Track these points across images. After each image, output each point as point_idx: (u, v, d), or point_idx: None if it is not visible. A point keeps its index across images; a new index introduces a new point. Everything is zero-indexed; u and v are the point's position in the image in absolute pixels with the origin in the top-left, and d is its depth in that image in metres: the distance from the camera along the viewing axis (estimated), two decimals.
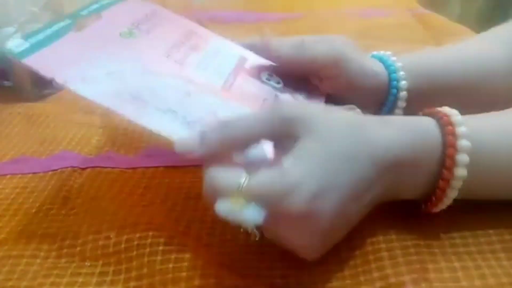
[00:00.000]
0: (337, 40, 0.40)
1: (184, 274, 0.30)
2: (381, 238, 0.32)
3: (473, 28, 0.73)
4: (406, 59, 0.42)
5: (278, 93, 0.39)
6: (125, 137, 0.47)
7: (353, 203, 0.28)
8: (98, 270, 0.32)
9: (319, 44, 0.39)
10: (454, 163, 0.29)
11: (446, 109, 0.32)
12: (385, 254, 0.30)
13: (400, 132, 0.30)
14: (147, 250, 0.32)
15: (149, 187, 0.40)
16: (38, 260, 0.33)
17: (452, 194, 0.30)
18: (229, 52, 0.42)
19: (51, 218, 0.37)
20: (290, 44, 0.40)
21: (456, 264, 0.30)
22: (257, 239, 0.29)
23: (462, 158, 0.29)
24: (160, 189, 0.39)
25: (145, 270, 0.31)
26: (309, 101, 0.40)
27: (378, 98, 0.42)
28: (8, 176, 0.42)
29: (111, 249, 0.33)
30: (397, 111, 0.42)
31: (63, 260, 0.33)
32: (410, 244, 0.31)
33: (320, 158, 0.28)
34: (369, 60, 0.42)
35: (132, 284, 0.30)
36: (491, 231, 0.32)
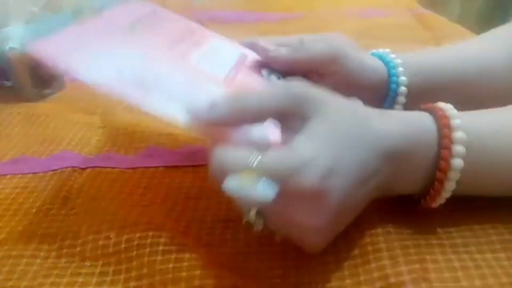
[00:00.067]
0: (335, 38, 0.41)
1: (184, 274, 0.30)
2: (381, 238, 0.32)
3: (473, 29, 0.73)
4: (405, 57, 0.42)
5: None
6: (125, 137, 0.47)
7: (359, 187, 0.29)
8: (98, 270, 0.32)
9: (318, 43, 0.40)
10: (450, 154, 0.30)
11: (441, 104, 0.32)
12: (385, 254, 0.30)
13: (398, 124, 0.31)
14: (147, 250, 0.32)
15: (149, 187, 0.40)
16: (38, 260, 0.33)
17: (450, 186, 0.31)
18: (230, 49, 0.42)
19: (51, 218, 0.37)
20: (288, 45, 0.40)
21: (456, 264, 0.30)
22: (260, 229, 0.29)
23: (458, 149, 0.30)
24: (160, 189, 0.39)
25: (145, 270, 0.31)
26: None
27: (378, 94, 0.42)
28: (8, 176, 0.42)
29: (111, 249, 0.33)
30: (397, 107, 0.42)
31: (63, 260, 0.33)
32: (410, 244, 0.31)
33: (331, 139, 0.28)
34: (368, 57, 0.43)
35: (132, 284, 0.30)
36: (491, 231, 0.32)
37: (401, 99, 0.41)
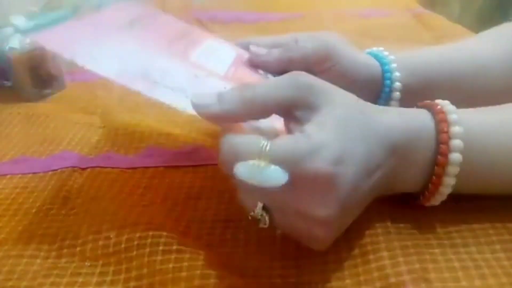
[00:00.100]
0: (329, 36, 0.41)
1: (184, 274, 0.30)
2: (381, 238, 0.32)
3: (473, 29, 0.73)
4: (400, 55, 0.43)
5: None
6: (125, 137, 0.47)
7: (365, 179, 0.29)
8: (98, 270, 0.32)
9: (311, 41, 0.40)
10: (448, 149, 0.30)
11: (438, 101, 0.32)
12: (385, 254, 0.30)
13: (397, 120, 0.31)
14: (147, 250, 0.32)
15: (149, 187, 0.40)
16: (38, 260, 0.33)
17: (448, 182, 0.31)
18: (227, 48, 0.42)
19: (51, 218, 0.37)
20: (281, 44, 0.41)
21: (456, 264, 0.30)
22: (266, 225, 0.29)
23: (456, 143, 0.30)
24: (160, 189, 0.39)
25: (145, 270, 0.31)
26: None
27: (373, 91, 0.42)
28: (8, 176, 0.42)
29: (111, 249, 0.33)
30: (392, 103, 0.42)
31: (63, 260, 0.33)
32: (410, 244, 0.31)
33: (341, 128, 0.28)
34: (362, 54, 0.43)
35: (132, 284, 0.30)
36: (491, 231, 0.32)
37: (396, 95, 0.42)
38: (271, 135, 0.29)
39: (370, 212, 0.32)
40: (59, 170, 0.42)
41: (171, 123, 0.48)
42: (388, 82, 0.41)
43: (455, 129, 0.30)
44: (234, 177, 0.27)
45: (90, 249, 0.33)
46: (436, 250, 0.31)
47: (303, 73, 0.30)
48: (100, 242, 0.33)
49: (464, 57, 0.43)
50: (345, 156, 0.27)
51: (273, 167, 0.26)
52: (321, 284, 0.30)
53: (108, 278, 0.31)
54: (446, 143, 0.30)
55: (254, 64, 0.41)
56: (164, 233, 0.33)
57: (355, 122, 0.29)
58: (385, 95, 0.42)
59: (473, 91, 0.42)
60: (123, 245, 0.32)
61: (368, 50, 0.44)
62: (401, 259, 0.30)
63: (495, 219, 0.33)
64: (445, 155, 0.30)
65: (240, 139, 0.28)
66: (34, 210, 0.38)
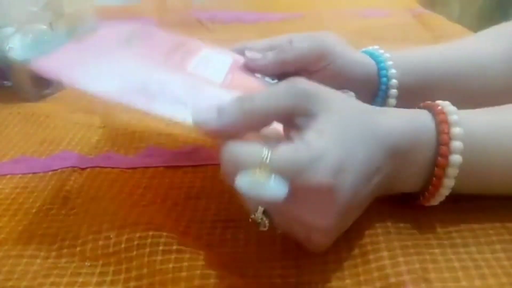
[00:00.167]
0: (323, 35, 0.41)
1: (184, 274, 0.30)
2: (381, 238, 0.32)
3: (473, 28, 0.73)
4: (396, 52, 0.43)
5: None
6: (125, 137, 0.47)
7: (364, 184, 0.29)
8: (98, 270, 0.32)
9: (305, 41, 0.40)
10: (448, 150, 0.30)
11: (438, 102, 0.32)
12: (385, 254, 0.30)
13: (398, 121, 0.31)
14: (147, 250, 0.32)
15: (149, 187, 0.40)
16: (38, 260, 0.33)
17: (448, 183, 0.31)
18: (222, 56, 0.42)
19: (51, 218, 0.37)
20: (276, 46, 0.41)
21: (456, 264, 0.30)
22: (266, 228, 0.29)
23: (456, 144, 0.30)
24: (160, 189, 0.39)
25: (145, 270, 0.31)
26: None
27: (370, 89, 0.42)
28: (8, 176, 0.42)
29: (111, 249, 0.33)
30: (390, 100, 0.42)
31: (63, 260, 0.33)
32: (410, 244, 0.31)
33: (339, 135, 0.28)
34: (357, 53, 0.43)
35: (132, 284, 0.30)
36: (491, 231, 0.32)
37: (393, 92, 0.42)
38: (273, 138, 0.29)
39: (370, 212, 0.32)
40: (59, 170, 0.42)
41: (171, 123, 0.48)
42: (384, 79, 0.42)
43: (456, 130, 0.30)
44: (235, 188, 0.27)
45: (90, 249, 0.33)
46: (436, 250, 0.31)
47: (301, 79, 0.30)
48: (100, 242, 0.33)
49: (463, 56, 0.43)
50: (345, 164, 0.27)
51: (273, 180, 0.26)
52: (321, 284, 0.30)
53: (108, 278, 0.31)
54: (447, 144, 0.30)
55: (251, 69, 0.42)
56: (164, 233, 0.33)
57: (353, 127, 0.29)
58: (382, 92, 0.42)
59: (472, 90, 0.42)
60: (123, 245, 0.32)
61: (363, 49, 0.44)
62: (401, 259, 0.30)
63: (495, 219, 0.33)
64: (445, 156, 0.30)
65: (240, 149, 0.28)
66: (34, 210, 0.38)
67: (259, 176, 0.26)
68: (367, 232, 0.32)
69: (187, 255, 0.31)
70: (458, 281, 0.28)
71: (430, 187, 0.31)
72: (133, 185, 0.40)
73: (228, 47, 0.44)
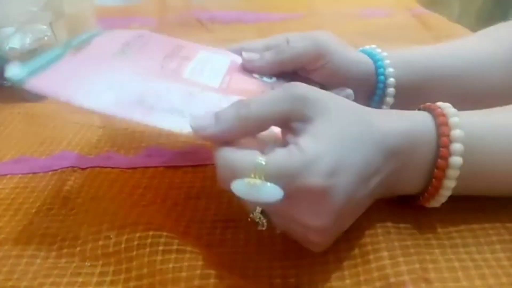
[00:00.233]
0: (320, 35, 0.41)
1: (184, 274, 0.30)
2: (381, 238, 0.32)
3: (473, 28, 0.73)
4: (394, 52, 0.43)
5: (274, 87, 0.40)
6: (125, 137, 0.47)
7: (362, 186, 0.29)
8: (98, 270, 0.32)
9: (302, 41, 0.40)
10: (448, 152, 0.30)
11: (439, 103, 0.32)
12: (385, 254, 0.30)
13: (398, 123, 0.31)
14: (147, 250, 0.32)
15: (149, 187, 0.40)
16: (38, 260, 0.33)
17: (448, 185, 0.31)
18: (220, 57, 0.43)
19: (51, 218, 0.36)
20: (273, 45, 0.41)
21: (456, 264, 0.30)
22: (264, 228, 0.29)
23: (456, 147, 0.30)
24: (160, 189, 0.39)
25: (145, 270, 0.31)
26: None
27: (367, 87, 0.42)
28: (8, 176, 0.42)
29: (111, 249, 0.33)
30: (387, 99, 0.42)
31: (63, 260, 0.33)
32: (410, 244, 0.31)
33: (335, 138, 0.28)
34: (354, 52, 0.43)
35: (132, 284, 0.30)
36: (491, 231, 0.32)
37: (391, 91, 0.42)
38: (270, 141, 0.29)
39: (370, 212, 0.32)
40: (59, 170, 0.42)
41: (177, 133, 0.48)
42: (381, 77, 0.42)
43: (456, 133, 0.30)
44: (232, 192, 0.27)
45: (90, 249, 0.33)
46: (436, 250, 0.31)
47: (298, 84, 0.30)
48: (100, 242, 0.33)
49: (463, 56, 0.43)
50: (339, 167, 0.27)
51: (269, 184, 0.26)
52: (321, 284, 0.30)
53: (108, 278, 0.31)
54: (447, 146, 0.30)
55: (248, 70, 0.42)
56: (164, 233, 0.33)
57: (351, 131, 0.29)
58: (380, 91, 0.42)
59: (472, 90, 0.42)
60: (123, 245, 0.32)
61: (361, 48, 0.44)
62: (401, 259, 0.30)
63: (495, 219, 0.33)
64: (446, 158, 0.30)
65: (235, 156, 0.28)
66: (34, 210, 0.38)
67: (254, 180, 0.27)
68: (367, 232, 0.32)
69: (187, 255, 0.31)
70: (458, 281, 0.28)
71: (430, 188, 0.31)
72: (133, 185, 0.40)
73: (226, 47, 0.44)
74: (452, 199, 0.32)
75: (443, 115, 0.31)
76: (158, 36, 0.45)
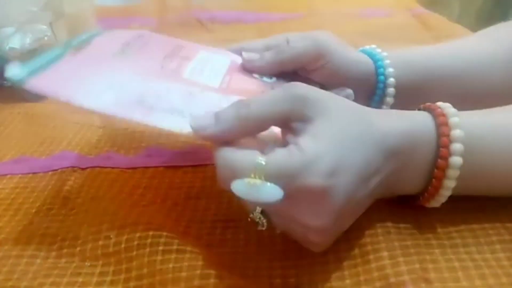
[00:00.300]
0: (320, 35, 0.41)
1: (184, 274, 0.30)
2: (381, 238, 0.32)
3: (473, 28, 0.73)
4: (394, 52, 0.43)
5: (274, 87, 0.40)
6: (125, 137, 0.47)
7: (362, 186, 0.29)
8: (98, 270, 0.32)
9: (302, 41, 0.41)
10: (448, 152, 0.30)
11: (439, 103, 0.32)
12: (385, 254, 0.30)
13: (398, 123, 0.31)
14: (147, 250, 0.32)
15: (149, 187, 0.40)
16: (38, 260, 0.33)
17: (448, 185, 0.31)
18: (220, 57, 0.43)
19: (51, 218, 0.36)
20: (273, 46, 0.41)
21: (456, 264, 0.30)
22: (264, 228, 0.29)
23: (456, 147, 0.30)
24: (160, 189, 0.39)
25: (145, 270, 0.31)
26: None
27: (367, 87, 0.42)
28: (8, 176, 0.42)
29: (111, 249, 0.33)
30: (387, 99, 0.42)
31: (63, 260, 0.33)
32: (410, 244, 0.31)
33: (335, 138, 0.28)
34: (354, 52, 0.43)
35: (132, 284, 0.30)
36: (491, 231, 0.32)
37: (391, 91, 0.42)
38: (271, 141, 0.29)
39: (370, 212, 0.32)
40: (59, 170, 0.42)
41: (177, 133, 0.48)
42: (381, 77, 0.42)
43: (456, 133, 0.30)
44: (232, 192, 0.28)
45: (90, 249, 0.33)
46: (436, 250, 0.31)
47: (298, 84, 0.30)
48: (100, 242, 0.33)
49: (463, 56, 0.43)
50: (339, 167, 0.27)
51: (269, 184, 0.26)
52: (321, 284, 0.30)
53: (108, 278, 0.31)
54: (447, 146, 0.30)
55: (248, 70, 0.42)
56: (164, 233, 0.33)
57: (351, 131, 0.29)
58: (380, 91, 0.42)
59: (472, 90, 0.42)
60: (123, 245, 0.32)
61: (361, 48, 0.44)
62: (401, 259, 0.30)
63: (495, 219, 0.33)
64: (446, 158, 0.30)
65: (235, 156, 0.28)
66: (34, 210, 0.38)
67: (254, 180, 0.27)
68: (367, 232, 0.32)
69: (187, 255, 0.31)
70: (458, 281, 0.29)
71: (430, 188, 0.31)
72: (133, 185, 0.40)
73: (226, 47, 0.44)
74: (452, 199, 0.32)
75: (443, 115, 0.31)
76: (158, 36, 0.45)
